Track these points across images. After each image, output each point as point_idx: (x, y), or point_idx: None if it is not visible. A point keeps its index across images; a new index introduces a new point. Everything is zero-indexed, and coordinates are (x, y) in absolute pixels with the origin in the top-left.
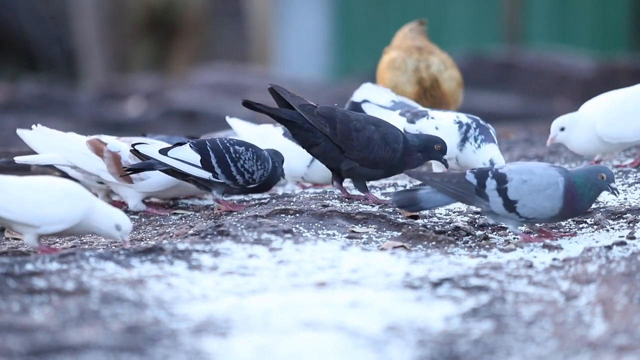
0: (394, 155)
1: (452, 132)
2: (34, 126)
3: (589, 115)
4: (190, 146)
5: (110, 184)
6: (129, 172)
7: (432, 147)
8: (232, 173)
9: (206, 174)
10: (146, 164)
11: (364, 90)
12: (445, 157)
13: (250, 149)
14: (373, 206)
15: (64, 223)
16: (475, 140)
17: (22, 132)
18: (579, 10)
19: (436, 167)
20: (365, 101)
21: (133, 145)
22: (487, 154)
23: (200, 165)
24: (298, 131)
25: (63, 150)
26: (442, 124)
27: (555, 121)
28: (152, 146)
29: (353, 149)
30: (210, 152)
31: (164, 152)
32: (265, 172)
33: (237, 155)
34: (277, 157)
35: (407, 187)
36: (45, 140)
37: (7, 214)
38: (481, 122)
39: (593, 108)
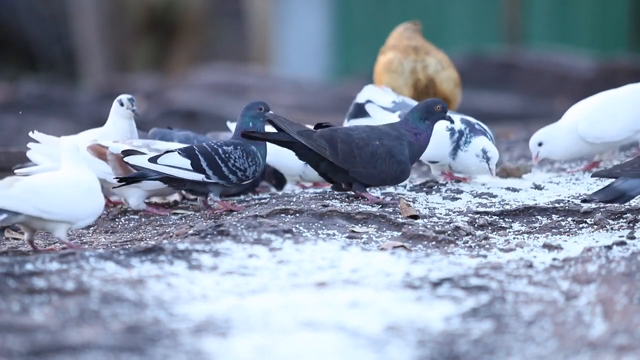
0: (399, 168)
1: (444, 140)
2: (30, 133)
3: (570, 120)
4: (179, 153)
5: (113, 185)
6: (122, 184)
7: (433, 111)
8: (224, 173)
9: (199, 176)
10: (139, 173)
11: (366, 91)
12: (439, 163)
13: (238, 147)
14: (373, 206)
15: (93, 216)
16: (465, 143)
17: (36, 138)
18: (579, 10)
19: (434, 169)
20: (368, 102)
21: (123, 157)
22: (477, 145)
23: (192, 169)
24: (301, 152)
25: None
26: (435, 130)
27: (532, 140)
28: (141, 156)
29: (357, 167)
30: (200, 156)
31: (153, 160)
32: (258, 167)
33: (227, 155)
34: (257, 120)
35: (602, 186)
36: (44, 149)
37: (48, 215)
38: (476, 127)
39: (573, 113)
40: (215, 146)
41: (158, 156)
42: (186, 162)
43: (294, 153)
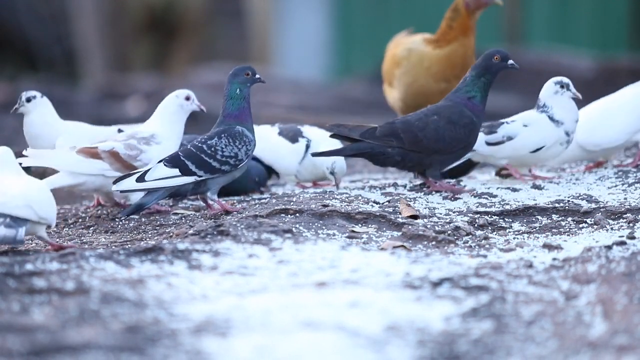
0: (466, 130)
1: (544, 123)
2: (24, 151)
3: None
4: (165, 164)
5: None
6: (128, 215)
7: (492, 63)
8: (216, 167)
9: (190, 179)
10: (138, 204)
11: None
12: (545, 147)
13: (223, 135)
14: (373, 206)
15: (55, 216)
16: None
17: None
18: (579, 10)
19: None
20: None
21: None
22: (551, 81)
23: (180, 174)
24: (373, 158)
25: (65, 165)
26: (531, 121)
27: None
28: (129, 179)
29: (426, 148)
30: (185, 161)
31: (140, 179)
32: (249, 146)
33: (213, 149)
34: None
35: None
36: (43, 160)
37: (44, 220)
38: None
39: None
40: (198, 144)
41: (144, 174)
42: (174, 171)
43: (286, 146)
